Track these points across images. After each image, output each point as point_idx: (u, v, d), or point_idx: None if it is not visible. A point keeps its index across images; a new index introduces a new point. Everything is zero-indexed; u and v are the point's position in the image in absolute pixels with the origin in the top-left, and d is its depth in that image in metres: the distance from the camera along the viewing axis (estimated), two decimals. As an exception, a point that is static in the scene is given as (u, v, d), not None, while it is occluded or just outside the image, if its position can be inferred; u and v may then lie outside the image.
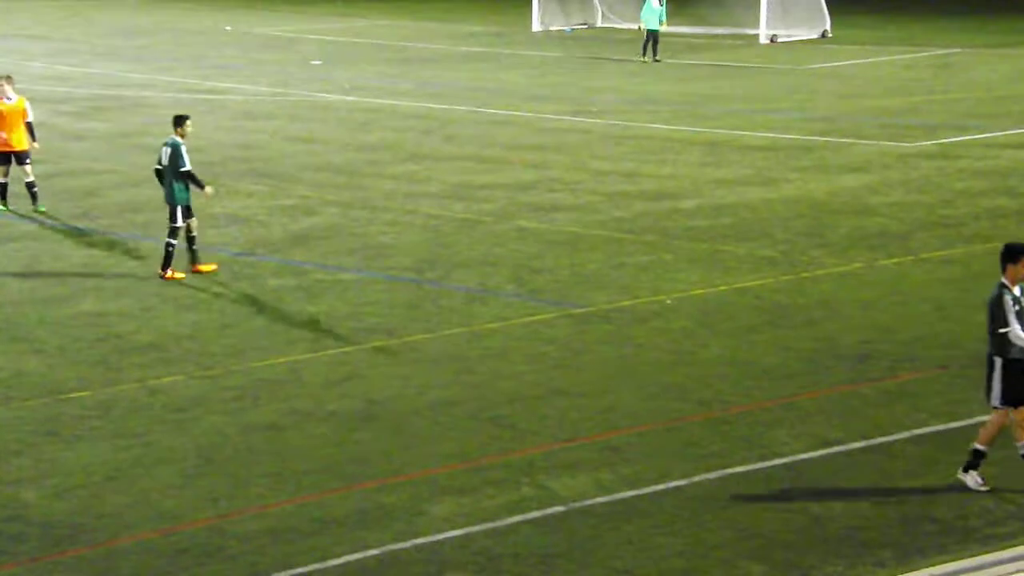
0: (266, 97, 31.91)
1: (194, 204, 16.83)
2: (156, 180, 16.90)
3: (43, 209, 19.88)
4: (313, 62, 37.97)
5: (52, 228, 19.42)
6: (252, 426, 12.08)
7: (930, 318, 14.74)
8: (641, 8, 37.21)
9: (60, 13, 53.34)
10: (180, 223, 16.47)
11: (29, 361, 13.75)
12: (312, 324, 14.90)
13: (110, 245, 18.49)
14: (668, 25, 40.96)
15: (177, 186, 16.45)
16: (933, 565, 9.32)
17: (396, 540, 9.84)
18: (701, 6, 42.82)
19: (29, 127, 19.86)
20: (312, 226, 19.57)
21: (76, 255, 17.97)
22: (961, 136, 25.12)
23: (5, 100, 19.75)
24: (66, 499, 10.59)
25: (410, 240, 18.65)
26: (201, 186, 16.56)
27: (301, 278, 16.76)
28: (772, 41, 39.74)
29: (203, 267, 16.74)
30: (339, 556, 9.62)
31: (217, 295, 16.05)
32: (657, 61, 36.15)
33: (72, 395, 12.80)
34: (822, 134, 25.79)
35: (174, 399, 12.71)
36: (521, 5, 46.34)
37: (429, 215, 20.09)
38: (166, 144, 16.55)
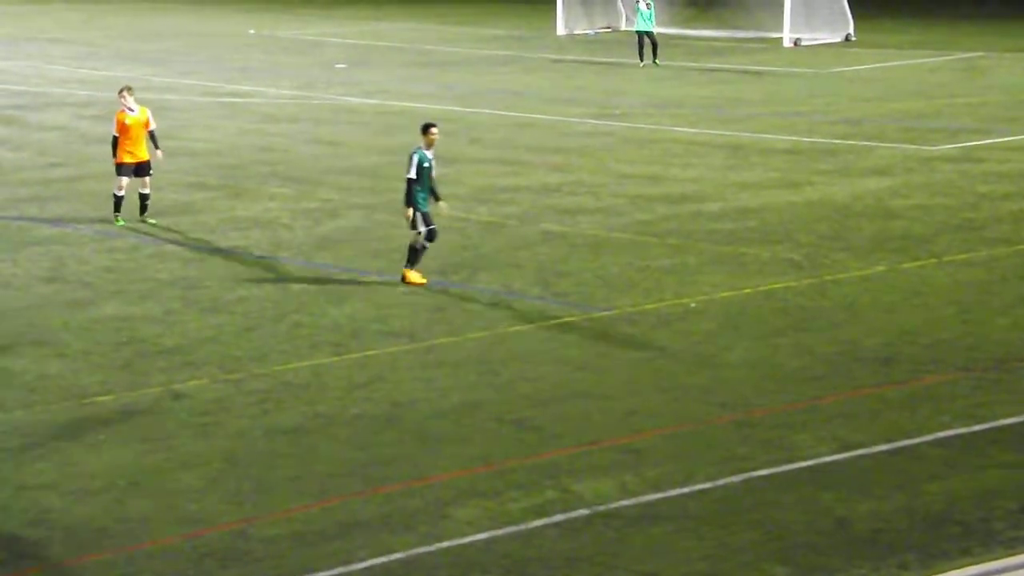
0: (289, 100, 32.01)
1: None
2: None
3: (153, 221, 19.49)
4: (337, 65, 38.07)
5: (75, 232, 19.51)
6: (276, 430, 12.11)
7: (953, 321, 14.67)
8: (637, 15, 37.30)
9: (81, 16, 53.64)
10: (420, 228, 16.06)
11: (53, 365, 13.81)
12: (336, 327, 14.93)
13: (133, 249, 18.57)
14: (693, 28, 40.96)
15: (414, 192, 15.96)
16: (957, 568, 9.27)
17: (420, 544, 9.85)
18: (724, 9, 42.73)
19: (152, 136, 19.46)
20: (336, 229, 19.62)
21: (99, 259, 18.06)
22: (984, 139, 24.98)
23: (128, 111, 19.30)
24: (89, 503, 10.62)
25: (434, 243, 18.68)
26: (407, 204, 15.98)
27: (325, 281, 16.80)
28: (795, 44, 39.62)
29: (414, 278, 16.21)
30: (363, 560, 9.63)
31: (241, 299, 16.10)
32: (655, 63, 36.14)
33: (96, 399, 12.86)
34: (845, 137, 25.69)
35: (198, 403, 12.75)
36: (545, 9, 46.35)
37: (453, 218, 20.09)
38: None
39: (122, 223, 19.56)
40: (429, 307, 15.63)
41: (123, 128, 19.48)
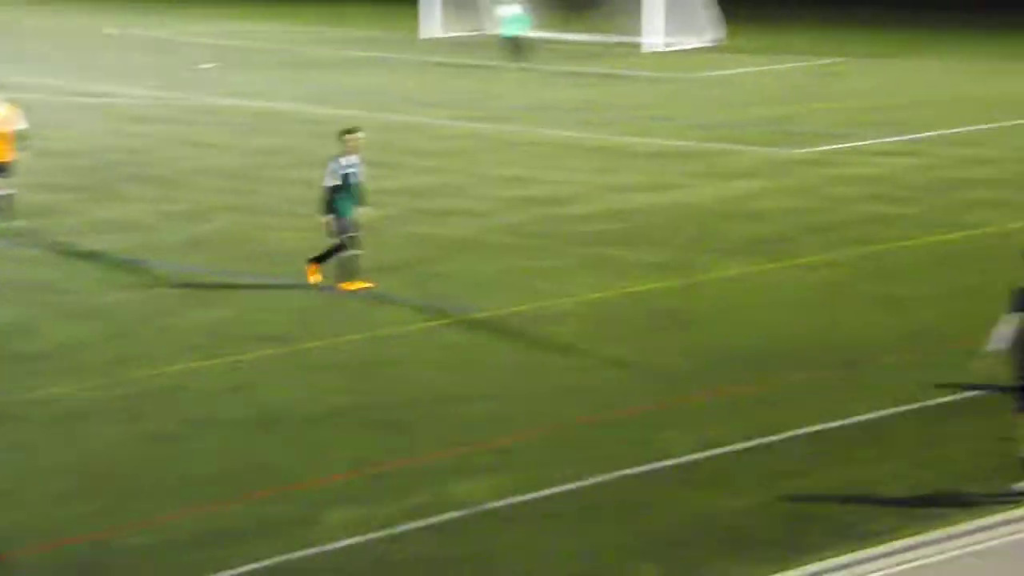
0: (153, 101, 31.44)
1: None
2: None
3: (9, 224, 18.75)
4: (202, 66, 37.53)
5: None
6: (143, 436, 11.92)
7: (814, 320, 15.12)
8: (501, 21, 37.62)
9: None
10: (343, 235, 15.85)
11: (-91, 372, 13.38)
12: (206, 331, 14.75)
13: (-7, 253, 18.06)
14: (562, 32, 41.46)
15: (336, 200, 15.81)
16: (814, 562, 9.58)
17: (292, 549, 9.80)
18: (593, 14, 43.22)
19: (13, 136, 18.80)
20: (205, 231, 19.35)
21: (-42, 263, 17.53)
22: (843, 143, 25.75)
23: None
24: (-51, 514, 10.32)
25: (305, 246, 18.55)
26: (325, 212, 15.86)
27: (194, 285, 16.57)
28: (664, 49, 40.29)
29: (314, 272, 15.99)
30: (233, 567, 9.54)
31: (106, 303, 15.79)
32: (523, 68, 36.53)
33: (-45, 407, 12.50)
34: (711, 140, 26.24)
35: (62, 410, 12.48)
36: (413, 11, 46.30)
37: (324, 221, 19.98)
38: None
39: None
40: (301, 310, 15.54)
41: None
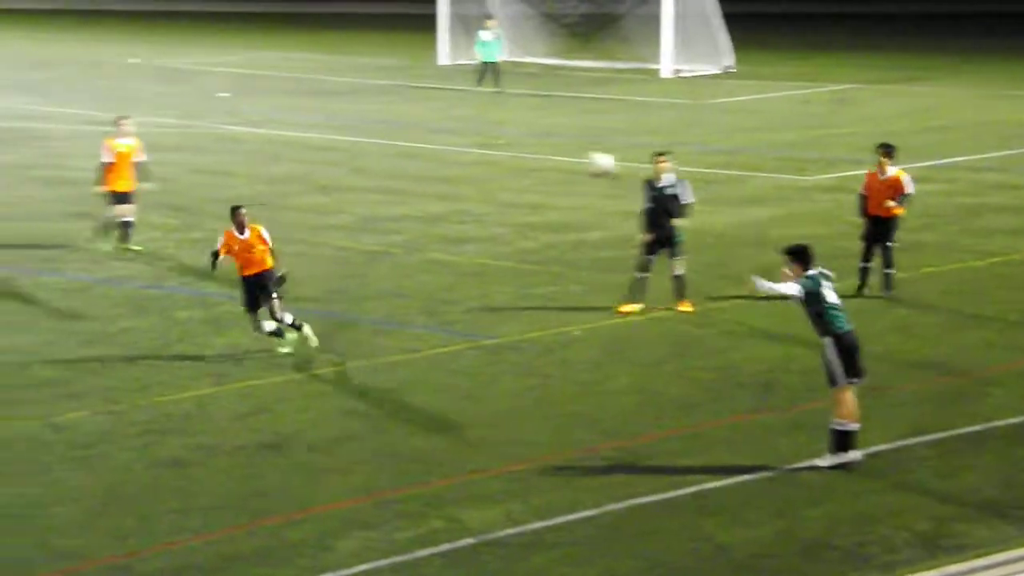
0: (172, 129, 31.61)
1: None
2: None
3: (137, 248, 19.40)
4: (220, 94, 37.75)
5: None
6: (158, 462, 11.95)
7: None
8: (476, 43, 37.79)
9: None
10: (650, 256, 16.44)
11: (-74, 398, 13.44)
12: (220, 357, 14.78)
13: (8, 280, 18.15)
14: (574, 59, 41.53)
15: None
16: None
17: (305, 575, 9.79)
18: (605, 40, 43.37)
19: (138, 167, 19.74)
20: (222, 259, 19.38)
21: (-25, 289, 17.62)
22: (857, 170, 25.58)
23: (121, 141, 19.74)
24: (-36, 540, 10.35)
25: (318, 272, 18.59)
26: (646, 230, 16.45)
27: (209, 310, 16.62)
28: (675, 75, 40.36)
29: (684, 306, 16.39)
30: (247, 592, 9.54)
31: (124, 329, 15.85)
32: (500, 91, 36.72)
33: (-29, 433, 12.54)
34: (724, 167, 26.22)
35: (78, 435, 12.52)
36: (428, 39, 46.52)
37: (337, 247, 20.05)
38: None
39: (119, 248, 19.32)
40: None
41: (115, 156, 19.63)
